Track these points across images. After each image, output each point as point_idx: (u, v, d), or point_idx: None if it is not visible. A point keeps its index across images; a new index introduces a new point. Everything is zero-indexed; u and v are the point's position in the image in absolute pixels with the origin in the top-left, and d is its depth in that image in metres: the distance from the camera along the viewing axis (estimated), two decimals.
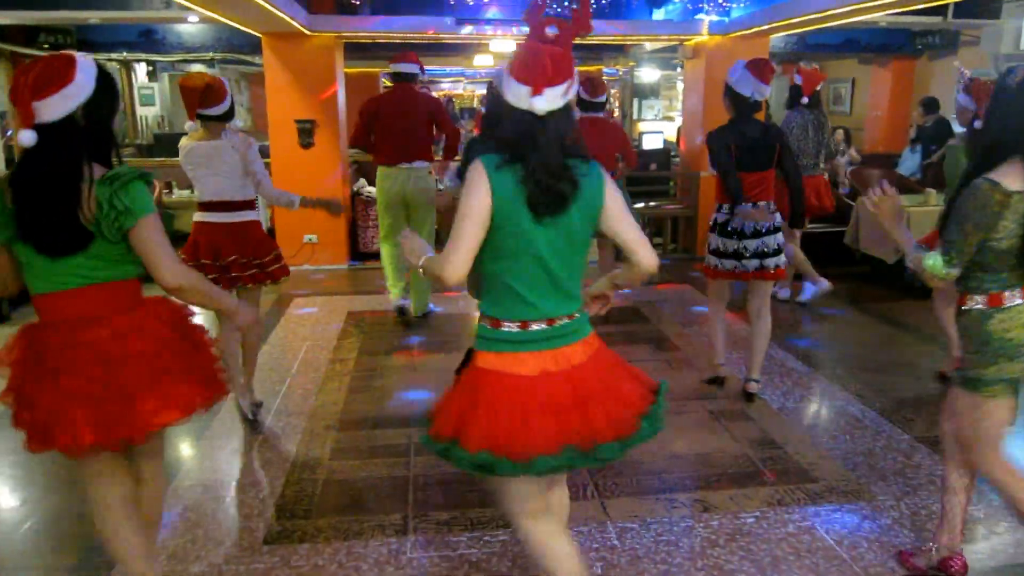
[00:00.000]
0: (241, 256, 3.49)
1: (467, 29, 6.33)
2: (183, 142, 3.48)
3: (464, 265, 1.76)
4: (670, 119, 12.00)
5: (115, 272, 1.95)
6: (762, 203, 3.68)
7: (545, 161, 1.74)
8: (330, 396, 4.00)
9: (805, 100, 5.07)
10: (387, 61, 10.61)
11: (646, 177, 7.58)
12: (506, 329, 1.83)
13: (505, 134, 1.78)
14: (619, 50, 9.47)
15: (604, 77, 11.37)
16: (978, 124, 3.58)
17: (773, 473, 3.15)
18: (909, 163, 7.31)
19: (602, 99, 4.89)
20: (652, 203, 7.45)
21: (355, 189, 7.56)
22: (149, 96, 8.99)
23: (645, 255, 1.89)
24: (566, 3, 6.28)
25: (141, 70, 9.91)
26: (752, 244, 3.66)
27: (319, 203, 3.68)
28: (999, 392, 2.13)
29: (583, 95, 4.83)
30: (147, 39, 8.20)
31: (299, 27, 5.93)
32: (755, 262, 3.67)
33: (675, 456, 3.32)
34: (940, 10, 6.18)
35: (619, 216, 1.86)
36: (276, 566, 2.58)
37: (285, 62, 6.42)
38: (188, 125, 3.42)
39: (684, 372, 4.32)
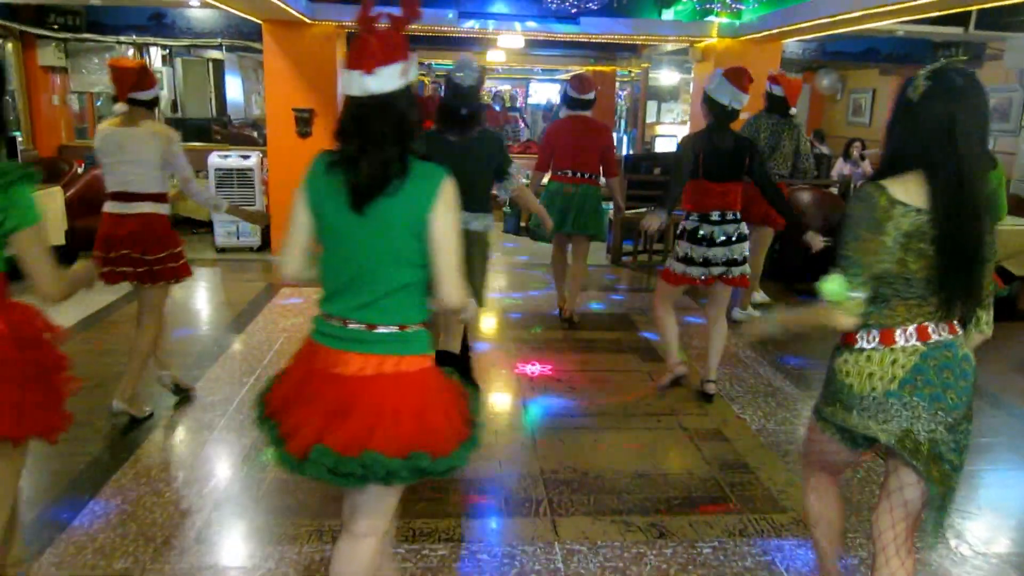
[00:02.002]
0: (133, 251, 3.35)
1: (469, 23, 6.21)
2: (100, 126, 3.38)
3: (295, 258, 1.86)
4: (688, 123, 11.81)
5: None
6: (730, 214, 3.67)
7: (364, 149, 1.70)
8: None
9: (794, 111, 4.94)
10: None
11: (652, 181, 7.41)
12: (318, 315, 1.85)
13: (343, 124, 1.74)
14: (632, 51, 9.28)
15: (616, 79, 11.24)
16: None
17: (735, 504, 2.99)
18: None
19: (590, 96, 4.84)
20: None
21: None
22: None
23: (446, 291, 1.76)
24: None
25: (156, 55, 9.91)
26: (721, 253, 3.65)
27: (242, 214, 3.56)
28: (830, 432, 1.94)
29: (571, 92, 4.80)
30: (157, 23, 8.18)
31: (298, 15, 5.84)
32: (720, 269, 3.68)
33: (640, 475, 3.17)
34: (962, 21, 5.93)
35: (439, 240, 1.73)
36: (202, 567, 2.48)
37: (285, 50, 6.34)
38: (117, 107, 3.32)
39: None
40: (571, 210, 4.84)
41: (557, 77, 15.85)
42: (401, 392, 1.76)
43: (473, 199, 3.32)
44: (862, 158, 7.72)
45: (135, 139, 3.30)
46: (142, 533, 2.65)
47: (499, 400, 3.96)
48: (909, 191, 1.72)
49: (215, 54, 10.41)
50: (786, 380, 4.29)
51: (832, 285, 1.74)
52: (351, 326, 1.77)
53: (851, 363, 1.83)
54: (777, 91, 4.88)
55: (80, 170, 7.06)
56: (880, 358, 1.78)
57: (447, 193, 1.74)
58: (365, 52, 1.67)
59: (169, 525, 2.70)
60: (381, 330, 1.76)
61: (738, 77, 3.51)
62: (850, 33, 6.60)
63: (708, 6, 5.95)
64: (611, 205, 7.45)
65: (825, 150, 8.57)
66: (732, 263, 3.66)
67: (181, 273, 3.53)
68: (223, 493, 2.91)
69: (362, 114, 1.71)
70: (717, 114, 3.56)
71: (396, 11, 1.71)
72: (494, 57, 9.90)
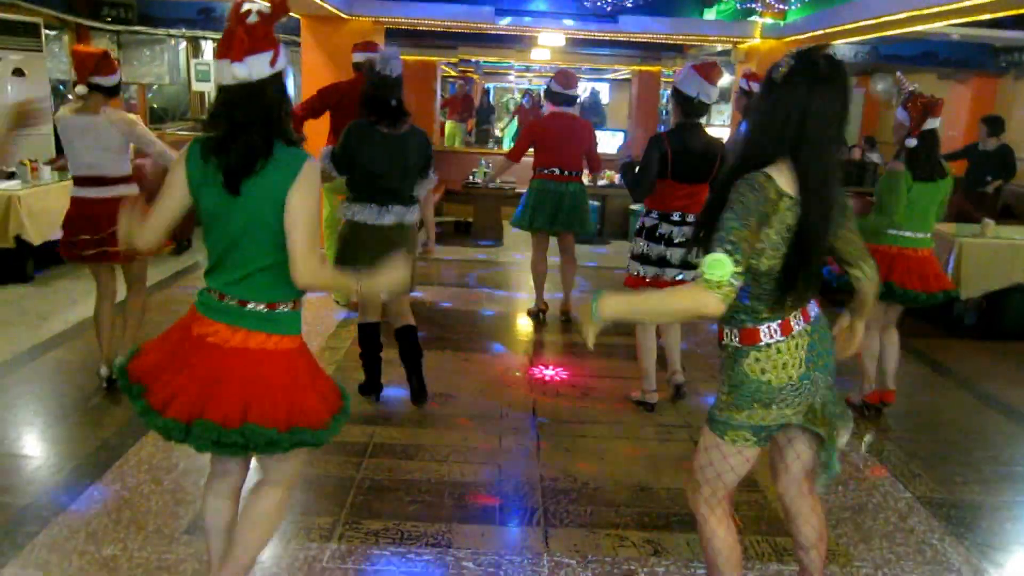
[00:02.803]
0: (97, 234, 3.48)
1: (506, 20, 6.17)
2: (60, 112, 3.45)
3: (153, 230, 1.94)
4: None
5: None
6: (690, 216, 3.59)
7: (232, 134, 1.78)
8: None
9: None
10: (446, 50, 10.62)
11: None
12: (202, 286, 1.94)
13: (211, 111, 1.86)
14: (678, 51, 9.09)
15: (662, 80, 11.03)
16: (911, 142, 3.44)
17: (740, 520, 2.87)
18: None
19: (575, 92, 4.84)
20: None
21: None
22: (205, 72, 9.21)
23: (297, 269, 1.83)
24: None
25: (208, 48, 10.14)
26: (678, 253, 3.56)
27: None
28: (743, 440, 1.87)
29: (556, 87, 4.79)
30: (206, 17, 8.38)
31: (335, 11, 5.88)
32: (676, 272, 3.58)
33: (642, 488, 3.07)
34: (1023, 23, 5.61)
35: (294, 218, 1.81)
36: (187, 558, 2.49)
37: (322, 44, 6.40)
38: (78, 89, 3.37)
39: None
40: (562, 209, 4.85)
41: (605, 76, 15.70)
42: (270, 368, 1.87)
43: (407, 192, 3.38)
44: None
45: (96, 126, 3.38)
46: (134, 520, 2.67)
47: (508, 404, 3.89)
48: (788, 181, 1.70)
49: None
50: None
51: (721, 266, 1.59)
52: (226, 300, 1.87)
53: (764, 360, 1.81)
54: (756, 89, 4.70)
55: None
56: (787, 347, 1.81)
57: (308, 174, 1.82)
58: (233, 42, 1.74)
59: (162, 514, 2.72)
60: (251, 307, 1.87)
61: (707, 70, 3.45)
62: (905, 35, 6.31)
63: (750, 6, 5.76)
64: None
65: (875, 157, 8.23)
66: (688, 266, 3.54)
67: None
68: None
69: (231, 101, 1.80)
70: (685, 106, 3.50)
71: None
72: (538, 55, 9.84)
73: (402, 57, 4.90)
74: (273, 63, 1.78)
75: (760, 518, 2.89)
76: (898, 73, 3.76)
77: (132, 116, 3.47)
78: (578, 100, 4.94)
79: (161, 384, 1.85)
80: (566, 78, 4.80)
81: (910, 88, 3.52)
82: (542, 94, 4.98)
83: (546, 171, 4.86)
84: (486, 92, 14.82)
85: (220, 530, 2.11)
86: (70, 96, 3.53)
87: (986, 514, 3.00)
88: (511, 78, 17.10)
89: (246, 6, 1.76)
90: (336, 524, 2.71)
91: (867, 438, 3.66)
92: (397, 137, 3.27)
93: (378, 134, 3.27)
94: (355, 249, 3.35)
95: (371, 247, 3.30)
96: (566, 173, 4.86)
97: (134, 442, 3.23)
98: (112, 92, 3.48)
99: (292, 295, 1.93)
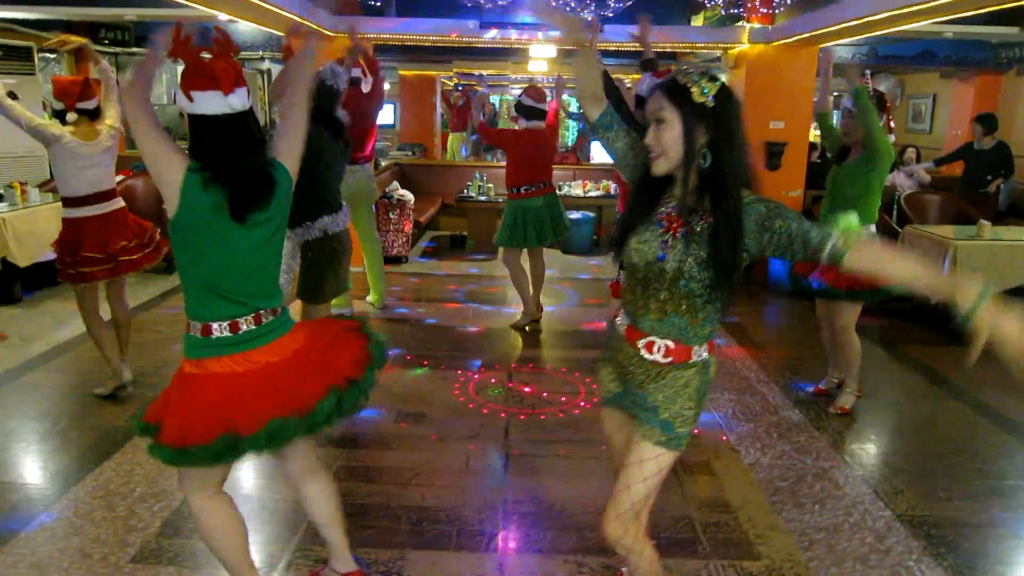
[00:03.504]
0: (128, 242, 3.66)
1: (491, 33, 6.12)
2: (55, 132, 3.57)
3: None
4: None
5: None
6: None
7: (243, 161, 1.83)
8: None
9: None
10: (442, 64, 10.60)
11: None
12: (221, 336, 1.90)
13: (203, 142, 1.83)
14: (672, 58, 9.00)
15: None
16: (891, 138, 3.53)
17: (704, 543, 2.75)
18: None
19: (544, 106, 4.86)
20: None
21: (386, 191, 7.48)
22: None
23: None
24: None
25: None
26: None
27: None
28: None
29: (526, 101, 4.83)
30: (203, 37, 8.40)
31: (320, 29, 5.87)
32: None
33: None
34: (1018, 20, 5.44)
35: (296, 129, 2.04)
36: None
37: None
38: (69, 117, 3.55)
39: None
40: (544, 223, 4.92)
41: None
42: (305, 354, 1.98)
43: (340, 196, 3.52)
44: (910, 162, 7.20)
45: (90, 143, 3.56)
46: (81, 549, 2.62)
47: (480, 422, 3.80)
48: None
49: (266, 65, 10.69)
50: (795, 408, 3.98)
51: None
52: (263, 321, 1.93)
53: (713, 364, 1.91)
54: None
55: (124, 178, 7.30)
56: None
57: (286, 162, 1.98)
58: (218, 74, 1.78)
59: (110, 542, 2.67)
60: (280, 312, 1.99)
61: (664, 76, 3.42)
62: (901, 35, 6.17)
63: (735, 12, 5.66)
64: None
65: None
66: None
67: (150, 260, 3.85)
68: (172, 512, 2.87)
69: (227, 131, 1.83)
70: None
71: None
72: (536, 67, 9.81)
73: (400, 72, 4.88)
74: (250, 95, 1.87)
75: (728, 541, 2.77)
76: (866, 71, 3.74)
77: (109, 121, 3.67)
78: (546, 113, 4.94)
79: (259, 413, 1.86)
80: (537, 92, 4.86)
81: (874, 88, 3.56)
82: (514, 107, 4.96)
83: (520, 190, 4.94)
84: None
85: (238, 532, 2.11)
86: (66, 120, 3.61)
87: (968, 532, 2.85)
88: (514, 90, 17.14)
89: (195, 43, 1.81)
90: (284, 552, 2.64)
91: (850, 452, 3.51)
92: (346, 146, 3.41)
93: (338, 148, 3.34)
94: (330, 260, 3.37)
95: (339, 255, 3.37)
96: (539, 186, 4.96)
97: (95, 466, 3.20)
98: (95, 115, 3.65)
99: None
